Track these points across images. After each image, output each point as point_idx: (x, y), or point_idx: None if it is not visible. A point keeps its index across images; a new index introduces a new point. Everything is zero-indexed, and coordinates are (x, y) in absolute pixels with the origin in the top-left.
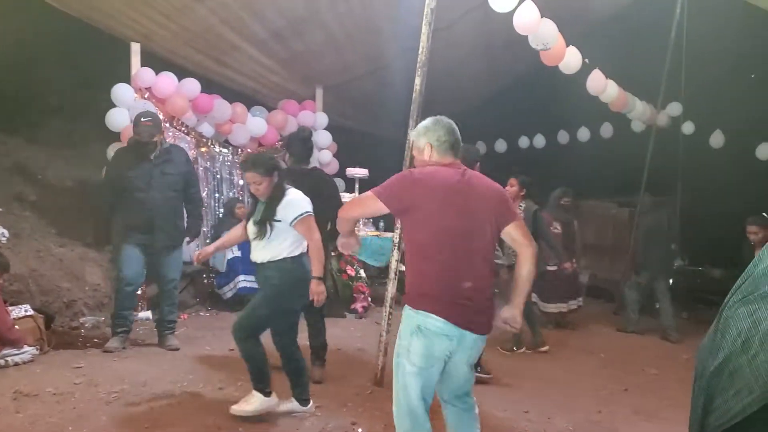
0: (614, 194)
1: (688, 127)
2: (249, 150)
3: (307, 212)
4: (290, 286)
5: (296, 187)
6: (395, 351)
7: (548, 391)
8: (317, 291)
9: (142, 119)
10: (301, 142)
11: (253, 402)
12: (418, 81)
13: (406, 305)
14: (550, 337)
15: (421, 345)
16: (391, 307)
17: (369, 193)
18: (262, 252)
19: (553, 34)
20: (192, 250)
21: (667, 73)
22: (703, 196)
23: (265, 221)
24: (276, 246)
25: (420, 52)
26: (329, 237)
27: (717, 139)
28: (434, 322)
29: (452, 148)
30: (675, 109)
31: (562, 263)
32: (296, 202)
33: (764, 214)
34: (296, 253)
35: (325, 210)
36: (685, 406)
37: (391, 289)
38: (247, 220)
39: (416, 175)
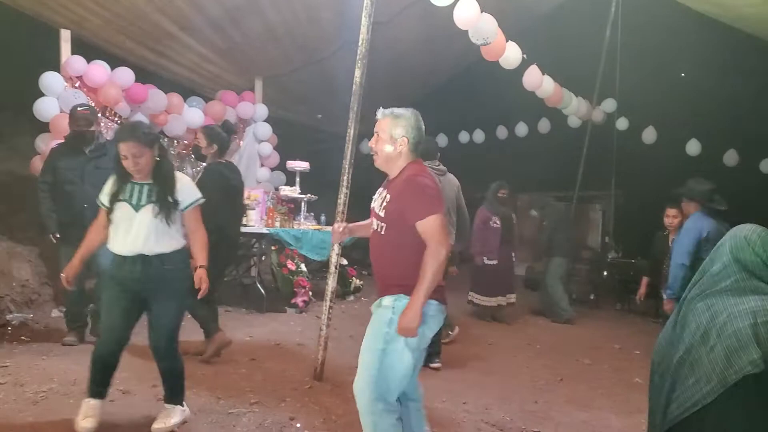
0: (551, 188)
1: (622, 123)
2: (185, 141)
3: (201, 198)
4: (190, 279)
5: (224, 181)
6: (377, 339)
7: (486, 382)
8: (206, 279)
9: (79, 108)
10: (229, 135)
11: (175, 414)
12: (358, 74)
13: (401, 295)
14: (489, 330)
15: (421, 329)
16: (331, 302)
17: (438, 218)
18: (154, 242)
19: (493, 29)
20: None
21: (602, 70)
22: (636, 190)
23: (167, 202)
24: (175, 233)
25: (360, 44)
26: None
27: (649, 135)
28: (434, 306)
29: (418, 149)
30: (609, 105)
31: (480, 258)
32: (191, 185)
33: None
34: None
35: (238, 204)
36: (616, 395)
37: (331, 283)
38: (111, 202)
39: (433, 178)
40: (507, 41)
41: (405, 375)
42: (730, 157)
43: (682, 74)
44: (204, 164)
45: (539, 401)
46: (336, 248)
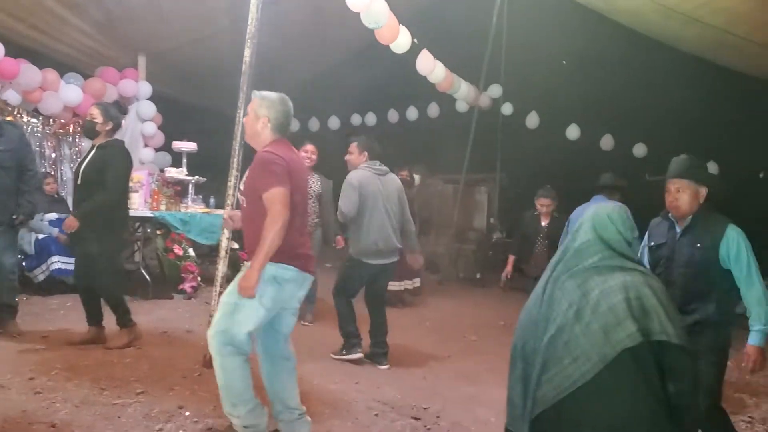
0: (440, 171)
1: (507, 108)
2: (62, 120)
3: None
4: None
5: (131, 159)
6: (235, 293)
7: None
8: None
9: None
10: (122, 115)
11: None
12: (247, 53)
13: None
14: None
15: (274, 290)
16: (222, 287)
17: (279, 190)
18: None
19: (384, 12)
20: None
21: (489, 57)
22: (520, 173)
23: None
24: None
25: (249, 23)
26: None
27: (532, 120)
28: (292, 272)
29: (283, 129)
30: (495, 91)
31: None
32: None
33: (548, 185)
34: None
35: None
36: (501, 370)
37: (222, 268)
38: None
39: (282, 155)
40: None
41: (254, 326)
42: (606, 142)
43: (563, 61)
44: (87, 142)
45: (428, 378)
46: (226, 232)
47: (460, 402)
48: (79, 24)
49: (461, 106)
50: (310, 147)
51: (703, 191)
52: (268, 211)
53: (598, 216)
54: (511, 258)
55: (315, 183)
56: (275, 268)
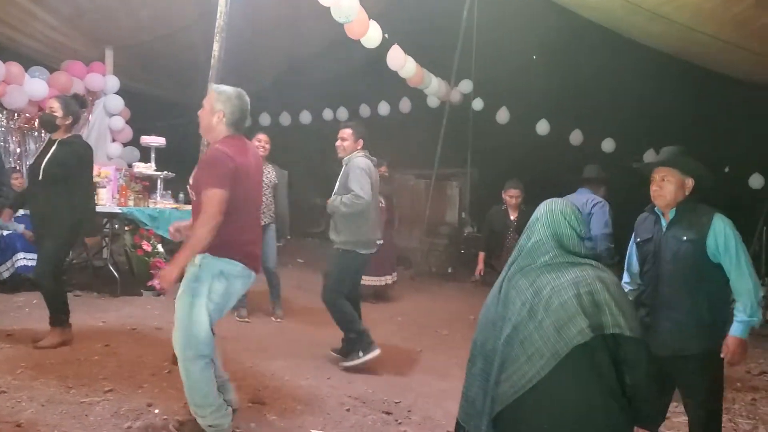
0: (412, 167)
1: (477, 104)
2: (27, 114)
3: None
4: None
5: (91, 154)
6: (186, 292)
7: None
8: None
9: None
10: (81, 108)
11: None
12: (216, 47)
13: (207, 254)
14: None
15: (222, 286)
16: None
17: (217, 192)
18: None
19: (354, 7)
20: None
21: (459, 52)
22: (490, 168)
23: None
24: None
25: (218, 17)
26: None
27: (503, 115)
28: (239, 268)
29: (238, 125)
30: (466, 86)
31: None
32: None
33: (515, 178)
34: None
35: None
36: None
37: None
38: None
39: (230, 154)
40: (369, 20)
41: (210, 323)
42: (576, 137)
43: (534, 57)
44: (49, 136)
45: (400, 373)
46: None
47: (431, 396)
48: (45, 16)
49: (432, 102)
50: (262, 137)
51: (690, 182)
52: (202, 211)
53: (551, 213)
54: (481, 255)
55: (270, 173)
56: (222, 264)
